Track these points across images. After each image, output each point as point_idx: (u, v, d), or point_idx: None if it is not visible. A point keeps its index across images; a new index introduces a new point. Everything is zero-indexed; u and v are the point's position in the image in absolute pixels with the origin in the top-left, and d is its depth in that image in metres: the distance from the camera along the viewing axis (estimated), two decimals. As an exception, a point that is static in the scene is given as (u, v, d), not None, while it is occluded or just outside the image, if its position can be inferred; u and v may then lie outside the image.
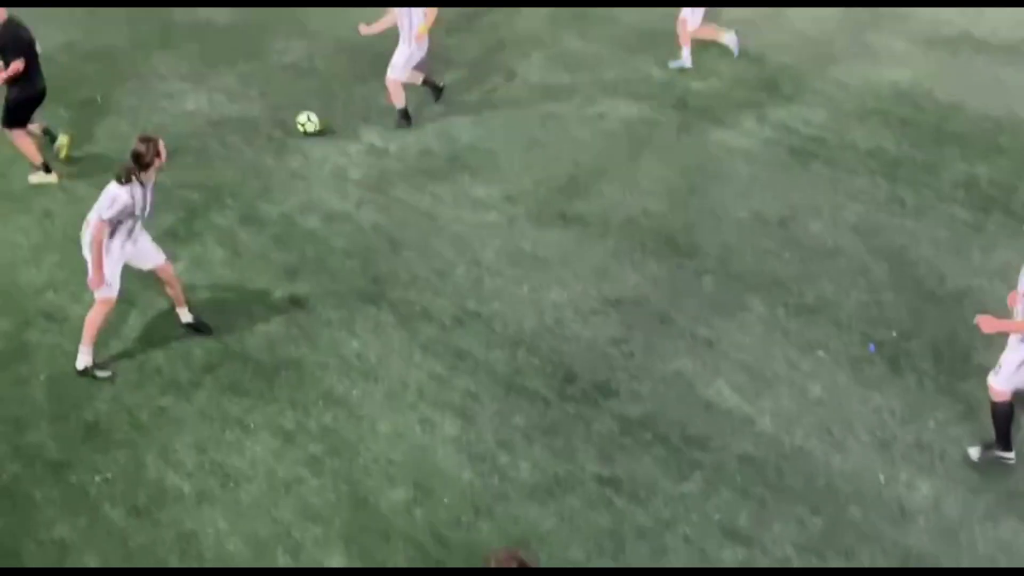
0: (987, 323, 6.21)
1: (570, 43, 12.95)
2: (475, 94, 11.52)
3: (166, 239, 8.56)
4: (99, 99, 11.07)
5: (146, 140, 6.85)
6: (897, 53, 12.71)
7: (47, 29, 12.90)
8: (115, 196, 6.76)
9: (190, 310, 7.55)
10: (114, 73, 11.74)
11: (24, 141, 9.33)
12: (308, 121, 10.43)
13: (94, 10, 13.64)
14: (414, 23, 10.27)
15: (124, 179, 6.76)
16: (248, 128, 10.55)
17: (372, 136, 10.50)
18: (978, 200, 9.39)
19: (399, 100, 10.64)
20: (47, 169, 9.40)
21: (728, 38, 12.36)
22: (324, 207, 9.22)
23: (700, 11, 12.08)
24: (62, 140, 9.64)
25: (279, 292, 8.03)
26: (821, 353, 7.51)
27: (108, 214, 6.75)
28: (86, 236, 6.93)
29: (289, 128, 10.53)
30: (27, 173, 9.38)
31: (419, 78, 10.87)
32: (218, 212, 9.04)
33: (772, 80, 11.94)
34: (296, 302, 7.93)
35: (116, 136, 10.20)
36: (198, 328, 7.55)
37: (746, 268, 8.50)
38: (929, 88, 11.64)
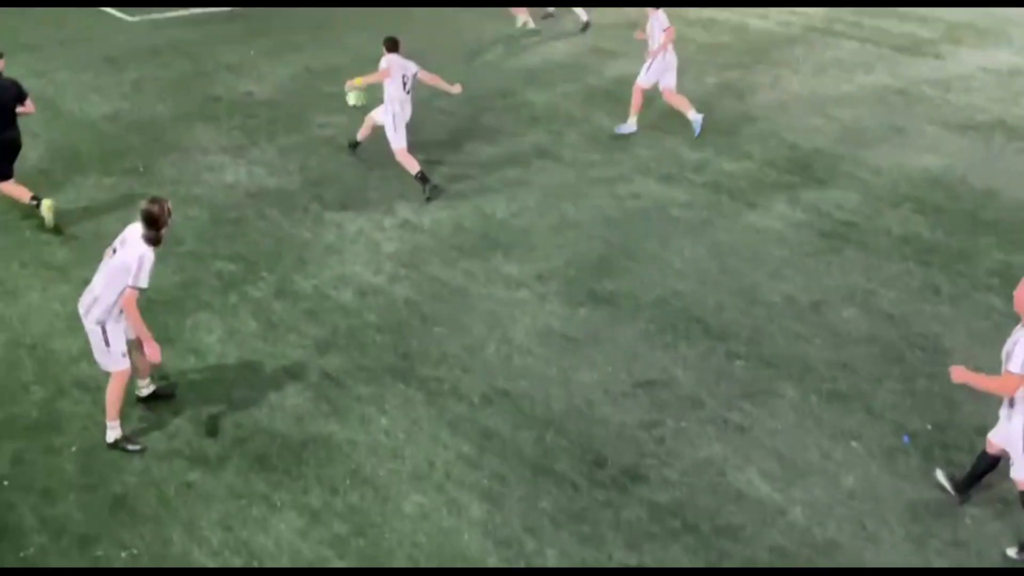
0: (959, 373, 6.25)
1: (603, 122, 13.13)
2: (509, 172, 11.66)
3: (201, 311, 8.70)
4: (141, 169, 11.32)
5: (156, 201, 6.76)
6: (930, 139, 12.77)
7: (95, 99, 13.37)
8: (144, 258, 6.65)
9: (152, 380, 7.49)
10: (157, 144, 12.03)
11: (11, 188, 9.67)
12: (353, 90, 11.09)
13: (140, 82, 14.07)
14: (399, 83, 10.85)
15: (156, 243, 6.73)
16: (286, 201, 10.73)
17: (407, 211, 10.63)
18: (1014, 290, 9.26)
19: (412, 166, 10.91)
20: (37, 202, 9.66)
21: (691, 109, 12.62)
22: (358, 281, 9.30)
23: (653, 73, 12.40)
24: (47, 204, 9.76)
25: (310, 366, 8.07)
26: (854, 443, 7.41)
27: (145, 281, 6.70)
28: (95, 313, 6.78)
29: (326, 202, 10.70)
30: (68, 243, 9.56)
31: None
32: (253, 284, 9.14)
33: (804, 163, 12.01)
34: (327, 376, 7.96)
35: (156, 206, 10.39)
36: (166, 395, 7.49)
37: (778, 352, 8.45)
38: (963, 175, 11.65)
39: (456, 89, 11.37)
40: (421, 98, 13.85)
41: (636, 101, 12.66)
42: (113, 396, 7.01)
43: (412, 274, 9.46)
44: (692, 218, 10.68)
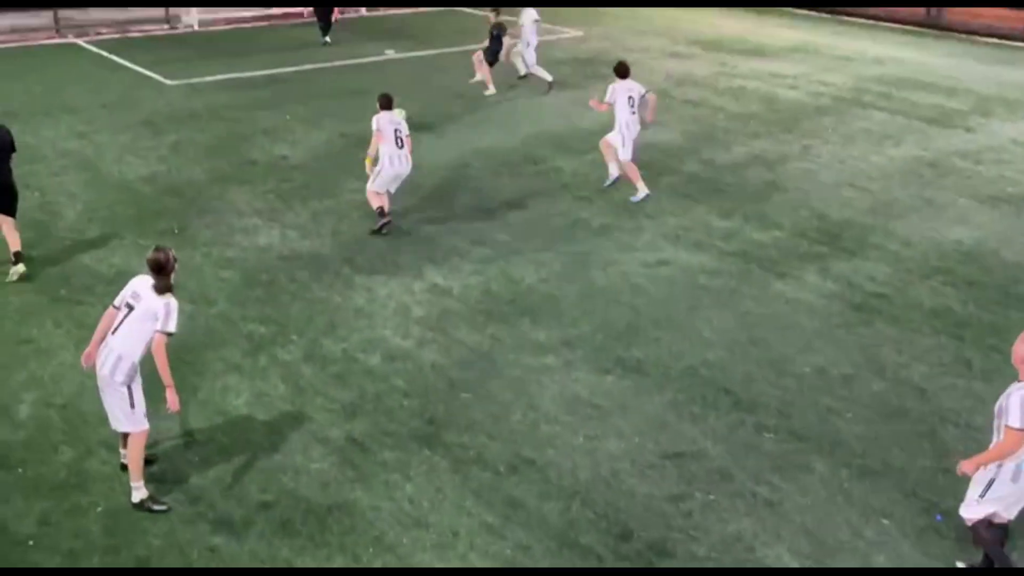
0: (965, 465, 6.41)
1: (632, 189, 13.19)
2: (537, 237, 11.72)
3: (230, 373, 8.75)
4: (176, 231, 11.50)
5: (160, 249, 6.90)
6: (961, 211, 12.71)
7: (133, 161, 13.64)
8: (170, 304, 6.78)
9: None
10: (192, 206, 12.24)
11: (9, 229, 10.28)
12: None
13: (178, 144, 14.37)
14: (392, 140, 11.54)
15: (168, 290, 6.83)
16: (318, 264, 10.84)
17: (436, 276, 10.70)
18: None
19: (376, 203, 11.71)
20: (16, 260, 10.26)
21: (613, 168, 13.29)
22: (386, 345, 9.33)
23: (629, 146, 12.86)
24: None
25: (337, 431, 8.07)
26: (885, 521, 7.27)
27: (175, 326, 6.79)
28: (120, 374, 6.78)
29: (357, 265, 10.80)
30: (101, 303, 9.65)
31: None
32: (283, 347, 9.20)
33: (834, 233, 11.99)
34: (353, 442, 7.94)
35: (189, 268, 10.54)
36: (149, 461, 7.43)
37: (808, 426, 8.34)
38: (995, 248, 11.57)
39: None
40: (451, 164, 14.06)
41: (632, 173, 12.95)
42: (136, 456, 7.04)
43: (440, 339, 9.48)
44: (721, 287, 10.66)
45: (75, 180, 12.94)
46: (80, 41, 21.96)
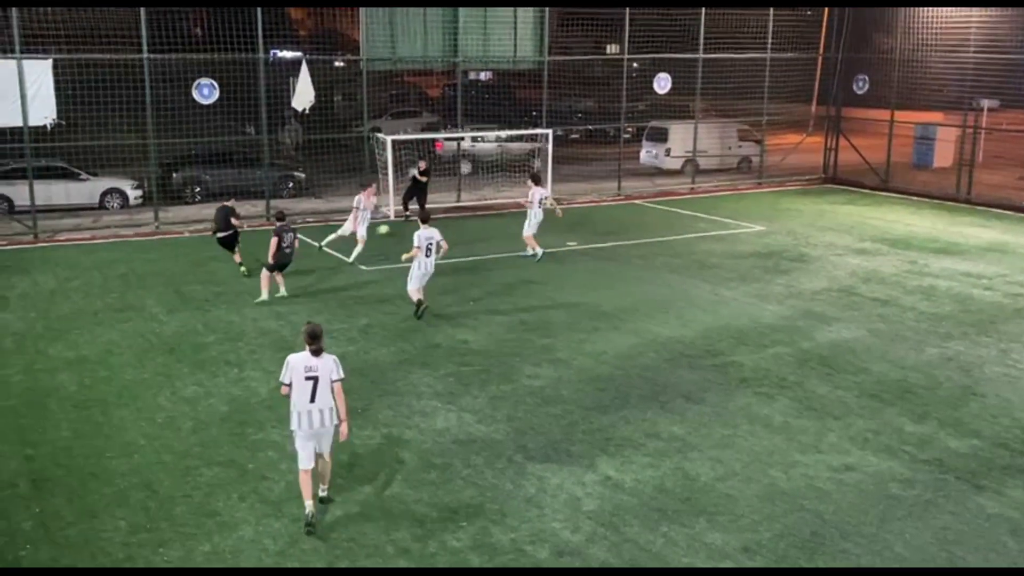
0: None
1: (817, 388, 12.75)
2: (715, 433, 11.41)
3: (400, 557, 8.75)
4: (359, 410, 11.88)
5: (310, 323, 9.32)
6: None
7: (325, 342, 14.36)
8: (336, 359, 9.23)
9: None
10: (375, 387, 12.67)
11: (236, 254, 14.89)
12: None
13: (368, 327, 15.08)
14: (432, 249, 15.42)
15: (323, 349, 9.13)
16: (491, 450, 10.88)
17: (609, 468, 10.51)
18: None
19: (414, 297, 15.47)
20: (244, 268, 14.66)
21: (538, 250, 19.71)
22: (555, 539, 9.13)
23: (534, 226, 19.65)
24: None
25: (501, 627, 7.85)
26: None
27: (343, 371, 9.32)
28: (335, 413, 9.16)
29: (530, 453, 10.78)
30: (284, 479, 10.00)
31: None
32: (451, 534, 9.16)
33: (1042, 446, 11.09)
34: (517, 640, 7.70)
35: (367, 447, 10.83)
36: (329, 500, 9.59)
37: (1019, 663, 7.49)
38: None
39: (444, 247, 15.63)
40: (628, 353, 14.10)
41: (531, 243, 19.64)
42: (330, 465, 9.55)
43: (611, 536, 9.20)
44: (914, 498, 9.94)
45: (271, 358, 13.69)
46: (287, 228, 23.72)
